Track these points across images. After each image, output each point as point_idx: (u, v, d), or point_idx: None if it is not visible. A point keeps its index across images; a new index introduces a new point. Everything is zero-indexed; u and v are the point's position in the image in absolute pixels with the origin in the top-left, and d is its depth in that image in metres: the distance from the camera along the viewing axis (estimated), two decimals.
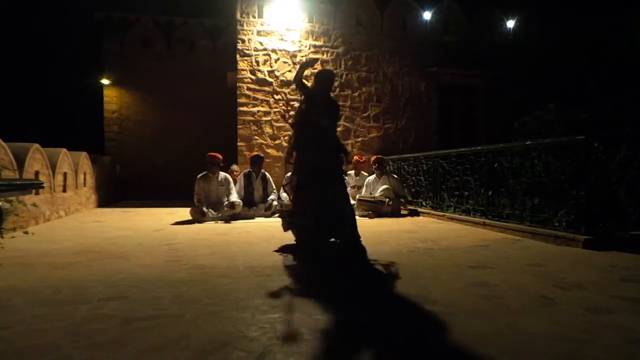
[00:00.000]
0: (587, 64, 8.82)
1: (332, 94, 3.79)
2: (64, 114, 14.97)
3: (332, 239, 3.52)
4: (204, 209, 5.45)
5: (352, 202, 6.26)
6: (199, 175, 5.74)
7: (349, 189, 6.68)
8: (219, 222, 5.34)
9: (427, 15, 8.51)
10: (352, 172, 6.99)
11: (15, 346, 1.51)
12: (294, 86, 4.11)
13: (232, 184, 5.84)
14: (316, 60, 4.43)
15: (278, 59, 7.87)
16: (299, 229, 3.53)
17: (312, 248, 3.39)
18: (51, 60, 15.32)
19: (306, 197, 3.45)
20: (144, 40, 10.83)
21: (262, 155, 6.45)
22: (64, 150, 6.11)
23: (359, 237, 3.48)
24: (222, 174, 5.83)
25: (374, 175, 6.50)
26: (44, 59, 15.42)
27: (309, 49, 8.00)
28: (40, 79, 15.33)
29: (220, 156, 5.83)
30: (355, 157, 7.18)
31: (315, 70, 4.64)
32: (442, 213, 5.63)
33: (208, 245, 3.58)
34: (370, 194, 6.33)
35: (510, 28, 8.99)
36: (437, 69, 8.53)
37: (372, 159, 6.75)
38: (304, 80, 3.68)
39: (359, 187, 6.72)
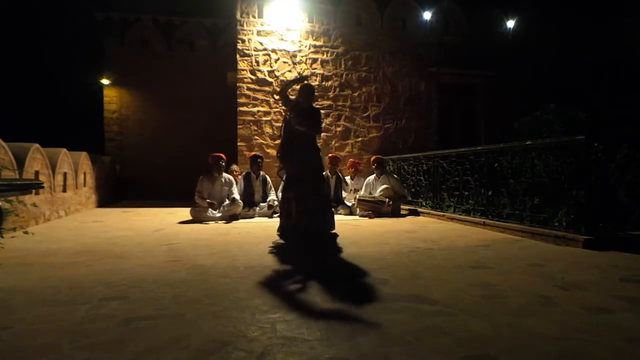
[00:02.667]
0: (587, 64, 8.82)
1: (314, 104, 4.36)
2: (64, 113, 14.96)
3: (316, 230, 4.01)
4: (208, 201, 5.48)
5: (351, 204, 6.31)
6: (203, 175, 5.72)
7: (345, 193, 6.70)
8: (220, 222, 5.34)
9: (427, 15, 8.50)
10: (348, 177, 6.99)
11: (15, 346, 1.51)
12: (294, 86, 4.56)
13: (234, 185, 5.85)
14: (305, 77, 4.85)
15: (278, 59, 7.87)
16: (287, 223, 4.05)
17: (299, 239, 3.88)
18: (51, 61, 15.30)
19: (294, 195, 3.98)
20: (144, 40, 10.82)
21: (260, 155, 6.47)
22: (64, 150, 6.11)
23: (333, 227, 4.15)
24: (225, 175, 5.84)
25: (374, 175, 6.50)
26: (44, 59, 15.41)
27: (309, 49, 8.00)
28: (40, 79, 15.32)
29: (224, 156, 5.85)
30: (351, 160, 7.19)
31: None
32: (442, 213, 5.63)
33: (208, 246, 3.59)
34: (370, 193, 6.33)
35: (510, 28, 8.99)
36: (437, 69, 8.53)
37: (372, 159, 6.76)
38: (288, 94, 4.31)
39: (357, 190, 6.71)
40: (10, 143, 4.51)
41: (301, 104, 4.13)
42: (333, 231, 4.14)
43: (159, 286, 2.28)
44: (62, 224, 5.15)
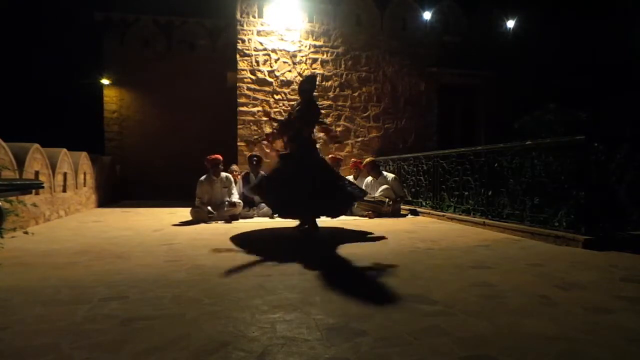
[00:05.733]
0: (587, 64, 8.82)
1: (314, 95, 4.41)
2: (64, 114, 14.97)
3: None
4: (209, 208, 5.48)
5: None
6: (202, 178, 5.67)
7: None
8: (220, 222, 5.34)
9: (427, 15, 8.51)
10: (350, 177, 6.97)
11: (15, 346, 1.51)
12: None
13: (233, 184, 5.84)
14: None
15: (278, 59, 7.87)
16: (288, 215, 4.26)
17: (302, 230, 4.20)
18: (51, 61, 15.31)
19: (292, 188, 3.98)
20: (144, 40, 10.83)
21: (258, 155, 6.45)
22: (64, 150, 6.10)
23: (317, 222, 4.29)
24: (223, 175, 5.81)
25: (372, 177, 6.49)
26: (44, 59, 15.42)
27: (309, 49, 8.00)
28: (40, 79, 15.33)
29: (220, 157, 5.81)
30: (353, 160, 7.18)
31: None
32: (442, 213, 5.63)
33: (208, 246, 3.58)
34: (370, 194, 6.31)
35: (510, 28, 8.99)
36: (437, 69, 8.53)
37: (364, 164, 6.70)
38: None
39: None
40: (10, 143, 4.51)
41: (299, 101, 4.31)
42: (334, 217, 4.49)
43: (159, 286, 2.28)
44: (62, 224, 5.15)
